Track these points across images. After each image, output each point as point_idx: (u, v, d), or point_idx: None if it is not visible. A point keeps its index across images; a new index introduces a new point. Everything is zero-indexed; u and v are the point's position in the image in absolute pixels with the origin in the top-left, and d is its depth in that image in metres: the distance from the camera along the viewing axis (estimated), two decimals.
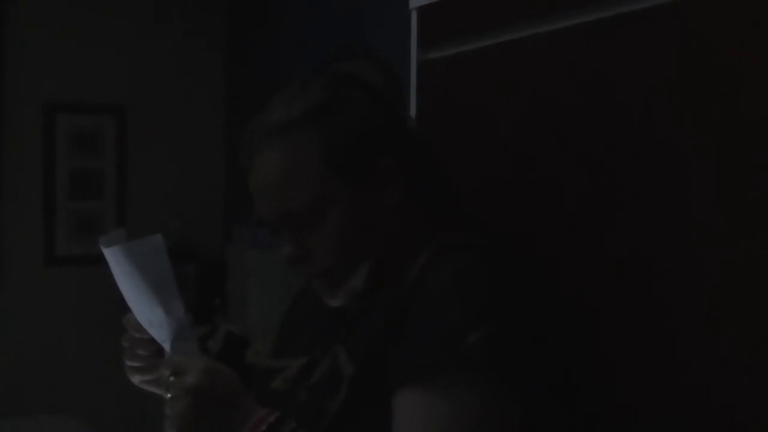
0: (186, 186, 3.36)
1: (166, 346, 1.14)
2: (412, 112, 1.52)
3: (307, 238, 1.13)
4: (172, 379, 1.08)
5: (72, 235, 3.19)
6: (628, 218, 1.11)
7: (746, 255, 0.96)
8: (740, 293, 0.96)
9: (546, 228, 1.25)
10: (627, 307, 1.11)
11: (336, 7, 2.53)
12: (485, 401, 1.00)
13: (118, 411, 3.11)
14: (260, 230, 2.81)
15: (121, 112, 3.26)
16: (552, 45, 1.24)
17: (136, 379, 1.26)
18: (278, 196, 1.13)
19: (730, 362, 0.98)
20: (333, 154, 1.11)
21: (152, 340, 1.18)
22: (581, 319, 1.19)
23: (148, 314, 1.14)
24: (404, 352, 1.03)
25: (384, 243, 1.15)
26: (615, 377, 1.13)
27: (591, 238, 1.17)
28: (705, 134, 1.01)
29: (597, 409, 1.16)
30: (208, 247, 3.20)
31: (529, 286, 1.16)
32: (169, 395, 1.08)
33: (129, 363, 1.25)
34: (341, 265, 1.14)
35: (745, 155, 0.96)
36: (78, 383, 3.12)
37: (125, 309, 1.23)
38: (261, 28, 3.13)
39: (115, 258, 1.12)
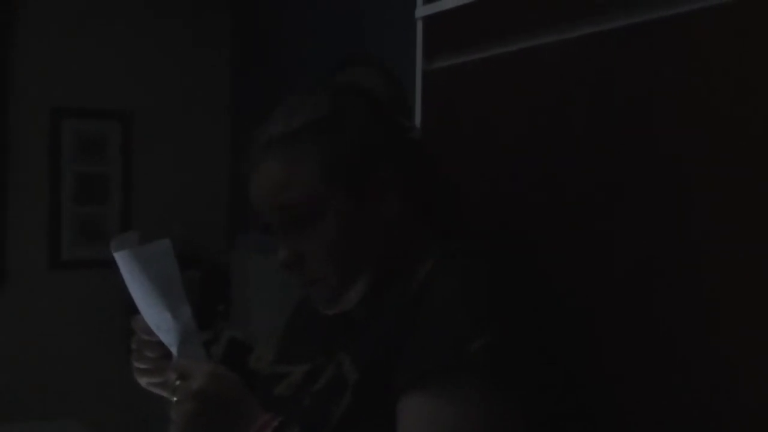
0: (190, 191, 3.37)
1: (173, 350, 1.14)
2: (417, 121, 1.53)
3: (302, 244, 1.14)
4: (178, 383, 1.09)
5: (77, 239, 3.19)
6: (631, 225, 1.12)
7: (746, 256, 0.96)
8: (741, 294, 0.97)
9: (549, 234, 1.25)
10: (629, 311, 1.12)
11: (341, 16, 2.54)
12: (488, 407, 1.01)
13: (121, 415, 3.11)
14: (264, 236, 2.81)
15: (126, 118, 3.27)
16: (557, 55, 1.24)
17: (143, 381, 1.27)
18: (276, 199, 1.14)
19: (731, 364, 0.98)
20: (331, 166, 1.12)
21: (160, 343, 1.19)
22: (583, 323, 1.19)
23: (156, 318, 1.15)
24: (409, 357, 1.04)
25: (382, 253, 1.16)
26: (616, 381, 1.14)
27: (593, 244, 1.17)
28: (706, 138, 1.02)
29: (599, 413, 1.17)
30: (212, 252, 3.21)
31: (530, 291, 1.17)
32: (174, 399, 1.09)
33: (137, 365, 1.25)
34: (334, 274, 1.14)
35: (746, 158, 0.97)
36: (82, 387, 3.13)
37: (130, 313, 1.24)
38: (266, 35, 3.14)
39: (124, 262, 1.13)
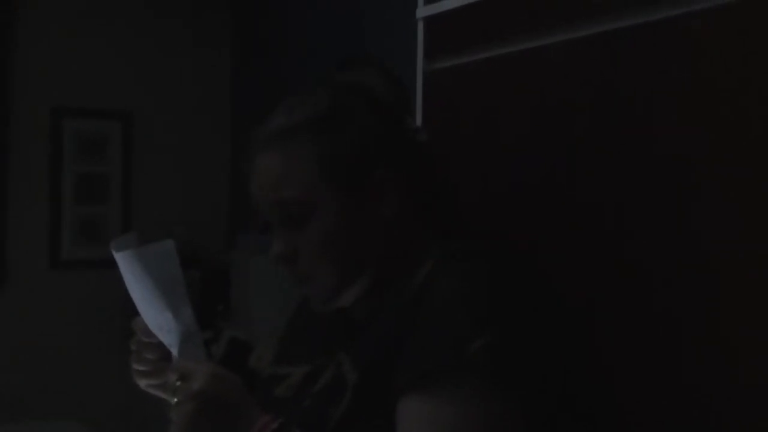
0: (191, 191, 3.36)
1: (174, 351, 1.14)
2: (418, 121, 1.53)
3: (298, 240, 1.14)
4: (178, 383, 1.09)
5: (77, 239, 3.19)
6: (631, 224, 1.12)
7: (746, 256, 0.97)
8: (741, 294, 0.97)
9: (550, 234, 1.25)
10: (629, 311, 1.12)
11: (342, 16, 2.54)
12: (488, 407, 1.01)
13: (121, 415, 3.11)
14: (264, 236, 2.81)
15: (127, 118, 3.27)
16: (557, 55, 1.24)
17: (142, 383, 1.27)
18: (273, 195, 1.14)
19: (731, 364, 0.98)
20: (329, 164, 1.12)
21: (160, 344, 1.18)
22: (583, 323, 1.19)
23: (157, 319, 1.15)
24: (409, 358, 1.04)
25: (381, 253, 1.16)
26: (616, 381, 1.14)
27: (593, 244, 1.18)
28: (708, 139, 1.02)
29: (599, 414, 1.17)
30: (212, 252, 3.21)
31: (530, 292, 1.17)
32: (175, 400, 1.09)
33: (136, 366, 1.25)
34: (328, 272, 1.14)
35: (747, 159, 0.97)
36: (81, 387, 3.12)
37: (130, 313, 1.23)
38: (266, 35, 3.14)
39: (126, 262, 1.13)
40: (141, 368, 1.25)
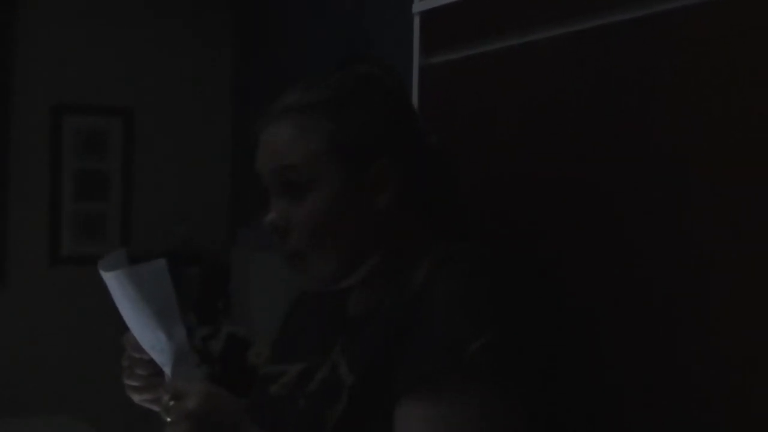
0: (191, 188, 3.37)
1: (167, 370, 1.12)
2: None
3: (291, 210, 1.14)
4: (172, 403, 1.07)
5: (77, 236, 3.20)
6: (631, 220, 1.11)
7: (747, 255, 0.96)
8: (742, 293, 0.97)
9: (548, 230, 1.25)
10: (629, 309, 1.12)
11: (340, 12, 2.54)
12: (488, 408, 1.01)
13: (121, 412, 3.10)
14: (264, 233, 2.81)
15: (127, 114, 3.28)
16: (554, 50, 1.24)
17: (135, 398, 1.25)
18: (278, 155, 1.14)
19: (731, 364, 0.98)
20: (338, 143, 1.13)
21: (151, 360, 1.16)
22: (582, 323, 1.19)
23: (150, 338, 1.13)
24: (408, 360, 1.04)
25: (374, 247, 1.15)
26: (617, 382, 1.14)
27: (592, 242, 1.17)
28: (703, 135, 1.02)
29: (599, 413, 1.16)
30: (213, 249, 3.21)
31: (530, 292, 1.17)
32: (169, 420, 1.08)
33: (128, 382, 1.24)
34: (311, 249, 1.14)
35: (743, 155, 0.97)
36: (82, 383, 3.13)
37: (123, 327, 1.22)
38: (267, 32, 3.14)
39: (116, 282, 1.11)
40: (133, 384, 1.24)
